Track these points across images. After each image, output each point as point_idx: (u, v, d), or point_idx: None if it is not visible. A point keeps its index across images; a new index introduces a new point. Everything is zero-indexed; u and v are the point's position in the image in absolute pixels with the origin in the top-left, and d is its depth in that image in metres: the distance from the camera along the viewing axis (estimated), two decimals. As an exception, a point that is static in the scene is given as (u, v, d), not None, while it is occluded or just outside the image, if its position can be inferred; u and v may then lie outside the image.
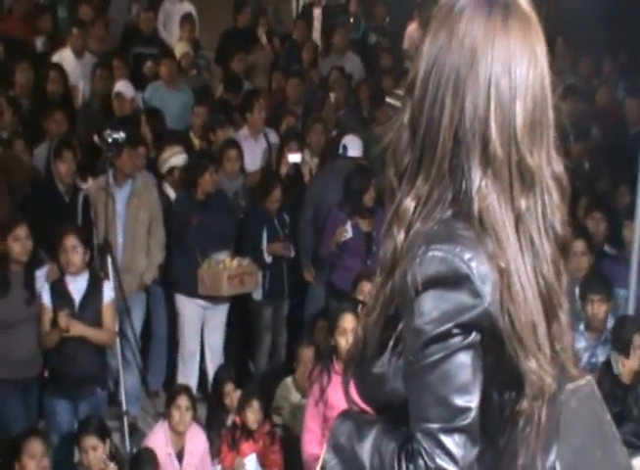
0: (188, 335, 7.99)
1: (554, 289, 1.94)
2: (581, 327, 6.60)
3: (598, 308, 6.61)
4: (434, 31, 1.94)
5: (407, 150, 1.97)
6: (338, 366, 5.74)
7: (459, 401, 1.85)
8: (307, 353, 6.87)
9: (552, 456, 2.06)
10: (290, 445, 6.52)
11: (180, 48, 11.36)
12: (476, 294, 1.84)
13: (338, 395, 5.95)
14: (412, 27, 13.18)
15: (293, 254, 8.27)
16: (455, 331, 1.84)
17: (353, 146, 8.63)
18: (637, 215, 6.77)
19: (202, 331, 8.04)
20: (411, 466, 1.87)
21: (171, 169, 8.28)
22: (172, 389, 6.98)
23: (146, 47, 11.30)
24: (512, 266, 1.87)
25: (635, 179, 6.84)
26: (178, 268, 7.91)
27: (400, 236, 1.95)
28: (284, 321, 8.40)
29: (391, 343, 1.96)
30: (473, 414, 1.85)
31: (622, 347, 6.20)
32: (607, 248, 7.91)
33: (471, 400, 1.85)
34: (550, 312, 1.93)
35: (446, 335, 1.84)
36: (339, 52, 11.80)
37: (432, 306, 1.84)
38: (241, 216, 8.31)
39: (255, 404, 6.49)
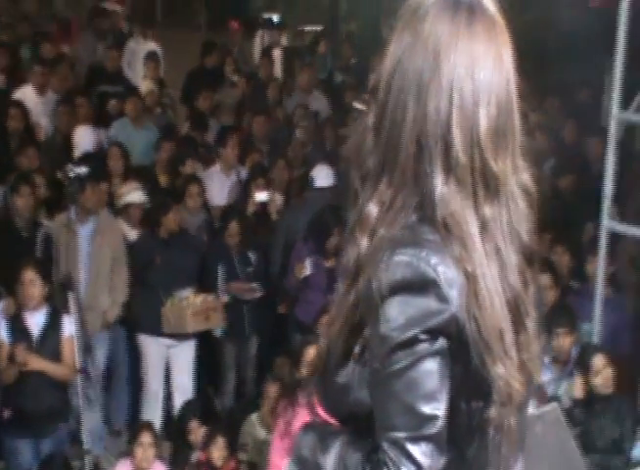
0: (151, 375, 7.90)
1: (521, 297, 1.90)
2: (547, 360, 6.60)
3: (563, 341, 6.63)
4: (399, 32, 1.90)
5: (371, 153, 1.92)
6: (302, 400, 5.69)
7: (426, 409, 1.80)
8: (272, 389, 6.82)
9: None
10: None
11: (145, 86, 11.37)
12: (443, 299, 1.80)
13: None
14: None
15: (258, 294, 8.17)
16: (422, 337, 1.79)
17: (321, 176, 8.65)
18: (601, 250, 6.82)
19: (169, 370, 7.94)
20: None
21: (126, 206, 8.23)
22: (135, 426, 6.89)
23: (111, 85, 11.28)
24: (478, 271, 1.82)
25: (599, 214, 6.89)
26: (141, 308, 7.84)
27: (363, 242, 1.90)
28: (251, 360, 8.31)
29: (356, 351, 1.91)
30: (440, 423, 1.81)
31: (584, 370, 6.26)
32: (572, 282, 7.93)
33: (438, 408, 1.80)
34: (517, 321, 1.88)
35: (413, 341, 1.79)
36: (305, 91, 11.85)
37: (397, 312, 1.80)
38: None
39: (220, 441, 6.42)
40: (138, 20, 14.29)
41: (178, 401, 7.75)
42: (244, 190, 8.96)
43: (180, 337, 7.83)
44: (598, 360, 6.30)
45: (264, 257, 8.37)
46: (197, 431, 6.65)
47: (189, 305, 7.70)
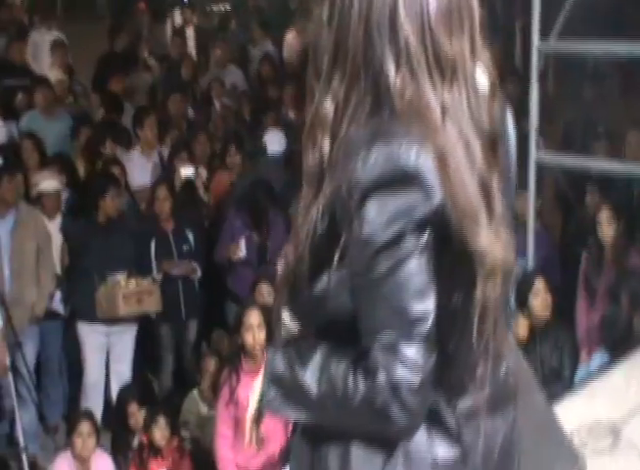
0: (90, 365, 7.67)
1: (487, 180, 1.78)
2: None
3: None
4: None
5: (324, 49, 1.84)
6: (246, 365, 5.70)
7: (417, 307, 1.72)
8: (211, 363, 6.70)
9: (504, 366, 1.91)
10: (199, 458, 6.36)
11: (53, 75, 11.03)
12: (427, 190, 1.71)
13: (248, 395, 5.98)
14: (290, 36, 13.20)
15: (198, 274, 8.00)
16: (406, 232, 1.70)
17: (273, 142, 8.59)
18: (530, 184, 6.77)
19: (107, 359, 7.73)
20: (369, 383, 1.72)
21: (40, 195, 7.94)
22: (72, 417, 6.70)
23: (16, 79, 10.95)
24: (447, 148, 1.72)
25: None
26: (77, 295, 7.65)
27: (325, 143, 1.81)
28: (189, 344, 8.10)
29: (336, 258, 1.79)
30: (430, 319, 1.73)
31: (522, 300, 6.20)
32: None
33: (428, 305, 1.73)
34: (487, 203, 1.78)
35: (397, 238, 1.70)
36: (220, 66, 11.71)
37: (379, 211, 1.70)
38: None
39: (162, 421, 6.26)
40: (38, 11, 13.94)
41: (115, 390, 7.51)
42: (167, 167, 8.80)
43: (120, 325, 7.62)
44: (538, 283, 6.32)
45: (201, 234, 8.18)
46: (137, 414, 6.49)
47: (120, 288, 7.48)
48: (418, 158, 1.71)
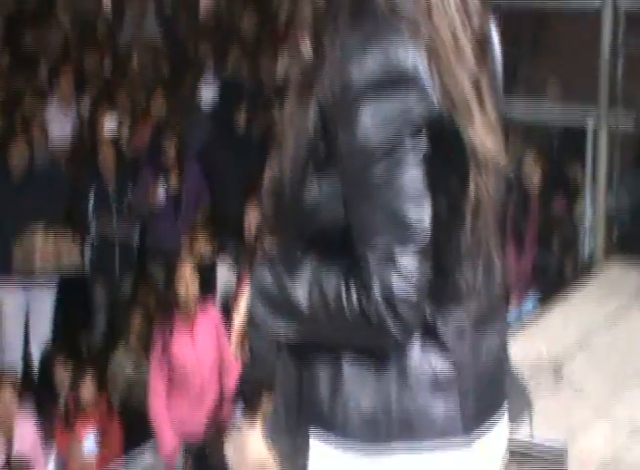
0: (8, 325, 7.49)
1: (479, 79, 1.73)
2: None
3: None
4: None
5: None
6: (178, 319, 5.61)
7: (414, 215, 1.65)
8: (137, 320, 6.56)
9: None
10: (128, 416, 6.23)
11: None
12: (424, 92, 1.65)
13: (181, 349, 5.99)
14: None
15: (134, 239, 7.88)
16: (404, 136, 1.63)
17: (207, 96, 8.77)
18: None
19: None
20: (363, 297, 1.65)
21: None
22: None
23: None
24: (437, 42, 1.68)
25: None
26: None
27: (306, 44, 1.73)
28: (122, 301, 7.88)
29: (322, 165, 1.72)
30: (427, 226, 1.66)
31: None
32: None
33: (424, 214, 1.67)
34: (478, 100, 1.72)
35: (394, 142, 1.63)
36: (137, 20, 11.50)
37: (375, 114, 1.63)
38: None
39: (89, 380, 6.10)
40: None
41: (36, 349, 7.39)
42: (89, 121, 8.67)
43: (39, 282, 7.44)
44: None
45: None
46: (62, 374, 6.31)
47: (38, 242, 7.30)
48: (415, 60, 1.65)
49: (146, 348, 6.33)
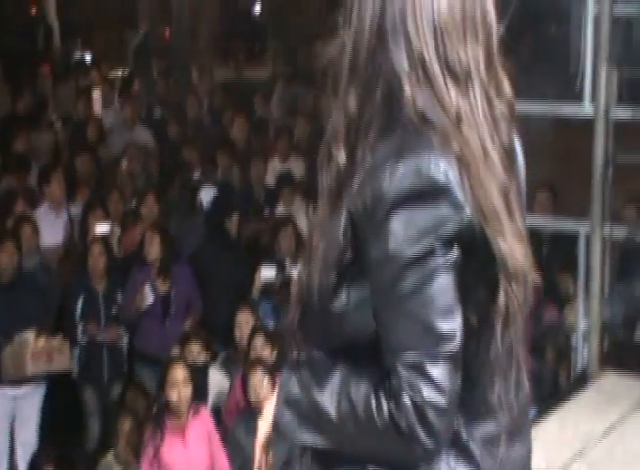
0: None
1: (507, 190, 1.76)
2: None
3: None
4: None
5: (342, 64, 1.82)
6: (170, 423, 5.54)
7: (444, 327, 1.66)
8: (126, 424, 6.48)
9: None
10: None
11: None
12: (456, 205, 1.67)
13: (173, 454, 5.91)
14: (197, 98, 13.26)
15: (123, 341, 7.82)
16: (435, 247, 1.66)
17: (207, 197, 8.74)
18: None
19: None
20: (393, 405, 1.65)
21: None
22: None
23: None
24: (466, 154, 1.70)
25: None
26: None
27: (341, 154, 1.77)
28: (114, 410, 7.66)
29: (352, 275, 1.74)
30: (458, 339, 1.67)
31: None
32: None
33: (455, 325, 1.67)
34: (508, 211, 1.75)
35: (425, 253, 1.65)
36: (128, 125, 11.64)
37: (407, 224, 1.66)
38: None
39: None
40: None
41: (21, 458, 7.18)
42: (82, 225, 8.68)
43: (27, 386, 7.33)
44: None
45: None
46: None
47: (29, 346, 7.20)
48: (447, 171, 1.68)
49: (136, 453, 6.25)
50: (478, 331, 1.74)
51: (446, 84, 1.73)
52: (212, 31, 19.42)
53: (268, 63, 19.15)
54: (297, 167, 10.26)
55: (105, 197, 9.11)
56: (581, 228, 6.06)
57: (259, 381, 6.05)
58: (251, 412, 5.90)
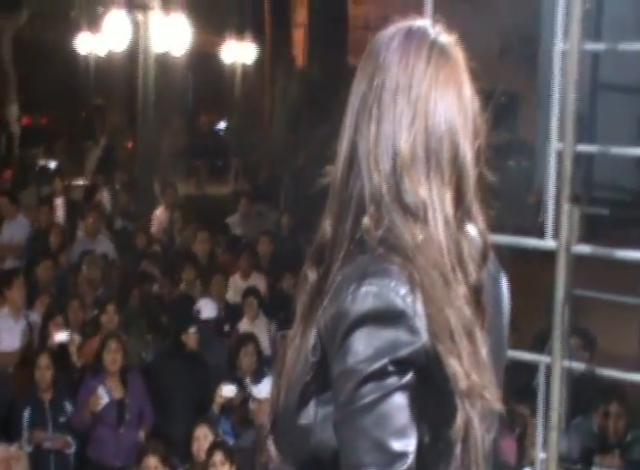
0: None
1: (471, 326, 1.80)
2: None
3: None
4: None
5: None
6: None
7: (396, 446, 1.71)
8: None
9: None
10: None
11: None
12: (412, 330, 1.74)
13: None
14: (159, 211, 13.39)
15: (70, 449, 7.69)
16: (391, 368, 1.72)
17: (206, 309, 8.88)
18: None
19: None
20: None
21: None
22: None
23: None
24: (423, 278, 1.77)
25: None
26: None
27: (313, 275, 1.88)
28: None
29: (316, 390, 1.81)
30: (410, 459, 1.71)
31: None
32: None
33: (408, 444, 1.72)
34: (470, 345, 1.79)
35: (381, 373, 1.71)
36: (90, 234, 11.69)
37: (366, 344, 1.72)
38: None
39: None
40: None
41: None
42: (41, 332, 8.63)
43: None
44: None
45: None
46: None
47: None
48: (405, 298, 1.75)
49: None
50: (436, 451, 1.79)
51: (404, 216, 1.81)
52: (176, 147, 19.71)
53: (230, 180, 19.47)
54: (258, 285, 10.35)
55: (65, 305, 9.10)
56: (541, 359, 6.15)
57: (218, 497, 6.01)
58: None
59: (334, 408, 1.77)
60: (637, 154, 5.86)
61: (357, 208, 1.85)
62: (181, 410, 7.89)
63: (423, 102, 1.86)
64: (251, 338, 8.26)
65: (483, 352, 1.82)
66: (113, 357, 7.76)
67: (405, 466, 1.70)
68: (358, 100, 1.89)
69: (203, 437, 7.00)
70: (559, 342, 5.95)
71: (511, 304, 2.07)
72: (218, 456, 6.51)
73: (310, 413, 1.82)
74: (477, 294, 1.85)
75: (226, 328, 9.55)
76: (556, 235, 5.91)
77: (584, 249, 5.87)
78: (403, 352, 1.72)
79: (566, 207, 5.53)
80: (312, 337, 1.82)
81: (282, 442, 1.90)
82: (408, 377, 1.73)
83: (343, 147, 1.89)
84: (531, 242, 6.24)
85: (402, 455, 1.71)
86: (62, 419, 7.69)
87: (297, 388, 1.84)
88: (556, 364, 5.93)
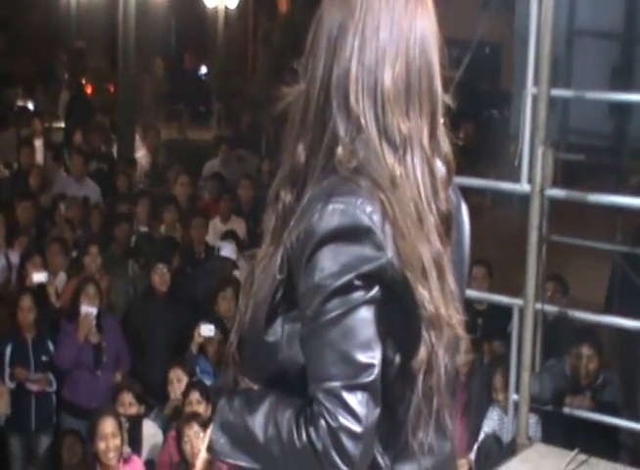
0: None
1: (440, 255, 1.87)
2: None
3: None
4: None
5: (293, 116, 1.95)
6: None
7: (362, 358, 1.77)
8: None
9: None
10: None
11: None
12: (378, 246, 1.79)
13: None
14: (141, 155, 13.37)
15: (52, 388, 7.75)
16: (356, 283, 1.77)
17: (226, 249, 9.11)
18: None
19: None
20: (311, 429, 1.76)
21: None
22: None
23: None
24: (396, 211, 1.82)
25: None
26: None
27: (288, 196, 1.92)
28: (42, 460, 7.70)
29: (284, 308, 1.87)
30: (375, 371, 1.78)
31: None
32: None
33: (373, 357, 1.78)
34: (439, 275, 1.85)
35: (347, 288, 1.77)
36: (76, 178, 11.69)
37: (332, 260, 1.78)
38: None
39: None
40: None
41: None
42: (19, 272, 8.62)
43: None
44: None
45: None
46: None
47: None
48: (371, 216, 1.79)
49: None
50: (400, 372, 1.85)
51: (382, 150, 1.85)
52: (158, 91, 19.60)
53: (213, 125, 19.38)
54: (238, 229, 10.38)
55: (44, 246, 9.09)
56: (515, 303, 6.23)
57: (194, 435, 6.10)
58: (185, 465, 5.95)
59: (301, 324, 1.82)
60: (611, 98, 5.89)
61: (331, 138, 1.88)
62: (158, 352, 7.92)
63: (404, 37, 1.89)
64: (228, 282, 8.30)
65: (451, 282, 1.87)
66: (89, 302, 7.76)
67: (371, 377, 1.77)
68: (336, 28, 1.90)
69: (176, 379, 7.07)
70: (532, 284, 6.02)
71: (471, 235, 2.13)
72: (195, 395, 6.59)
73: (277, 330, 1.88)
74: (447, 224, 1.91)
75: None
76: (530, 179, 5.95)
77: (558, 193, 5.91)
78: (369, 267, 1.78)
79: (540, 150, 5.56)
80: (279, 256, 1.87)
81: (248, 358, 1.95)
82: (374, 292, 1.78)
83: (319, 73, 1.90)
84: (507, 186, 6.28)
85: (368, 367, 1.76)
86: (44, 358, 7.73)
87: (263, 306, 1.88)
88: (528, 307, 6.01)
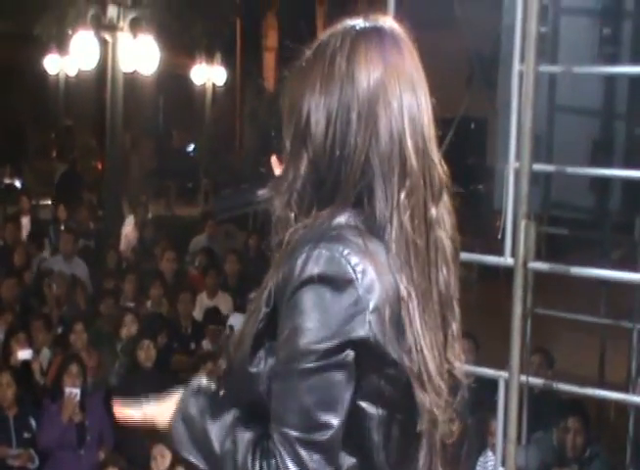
0: None
1: (448, 300, 1.95)
2: None
3: None
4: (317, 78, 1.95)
5: (310, 190, 1.93)
6: None
7: (321, 417, 1.78)
8: None
9: None
10: None
11: None
12: (358, 302, 1.80)
13: None
14: (128, 229, 13.42)
15: (34, 464, 7.64)
16: (333, 345, 1.78)
17: (235, 319, 9.01)
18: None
19: None
20: (264, 463, 1.79)
21: None
22: None
23: None
24: (413, 293, 1.86)
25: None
26: None
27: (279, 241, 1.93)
28: None
29: (269, 340, 1.88)
30: (333, 432, 1.79)
31: None
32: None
33: (334, 418, 1.79)
34: (444, 325, 1.94)
35: (325, 348, 1.78)
36: (66, 257, 11.71)
37: (312, 306, 1.79)
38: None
39: None
40: None
41: None
42: (3, 349, 8.60)
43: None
44: None
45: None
46: None
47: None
48: (356, 267, 1.81)
49: None
50: (385, 425, 1.87)
51: (426, 199, 1.91)
52: (145, 167, 19.73)
53: (200, 201, 19.49)
54: (224, 304, 10.39)
55: (28, 323, 9.06)
56: (501, 375, 6.23)
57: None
58: None
59: (275, 359, 1.85)
60: (592, 173, 5.96)
61: (364, 197, 1.89)
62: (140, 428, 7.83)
63: (395, 110, 1.90)
64: (211, 356, 8.27)
65: (438, 374, 1.90)
66: (72, 382, 7.71)
67: (325, 437, 1.78)
68: (335, 104, 1.90)
69: (160, 455, 7.00)
70: (517, 357, 6.03)
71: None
72: (180, 471, 6.52)
73: (260, 362, 1.89)
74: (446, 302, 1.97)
75: (192, 346, 9.57)
76: (514, 253, 5.99)
77: (541, 266, 5.95)
78: (347, 329, 1.78)
79: (523, 224, 5.61)
80: (267, 292, 1.89)
81: (234, 387, 1.97)
82: (349, 355, 1.79)
83: (358, 145, 1.89)
84: (491, 259, 6.31)
85: (324, 426, 1.78)
86: (26, 435, 7.67)
87: (249, 336, 1.91)
88: (513, 379, 6.01)
